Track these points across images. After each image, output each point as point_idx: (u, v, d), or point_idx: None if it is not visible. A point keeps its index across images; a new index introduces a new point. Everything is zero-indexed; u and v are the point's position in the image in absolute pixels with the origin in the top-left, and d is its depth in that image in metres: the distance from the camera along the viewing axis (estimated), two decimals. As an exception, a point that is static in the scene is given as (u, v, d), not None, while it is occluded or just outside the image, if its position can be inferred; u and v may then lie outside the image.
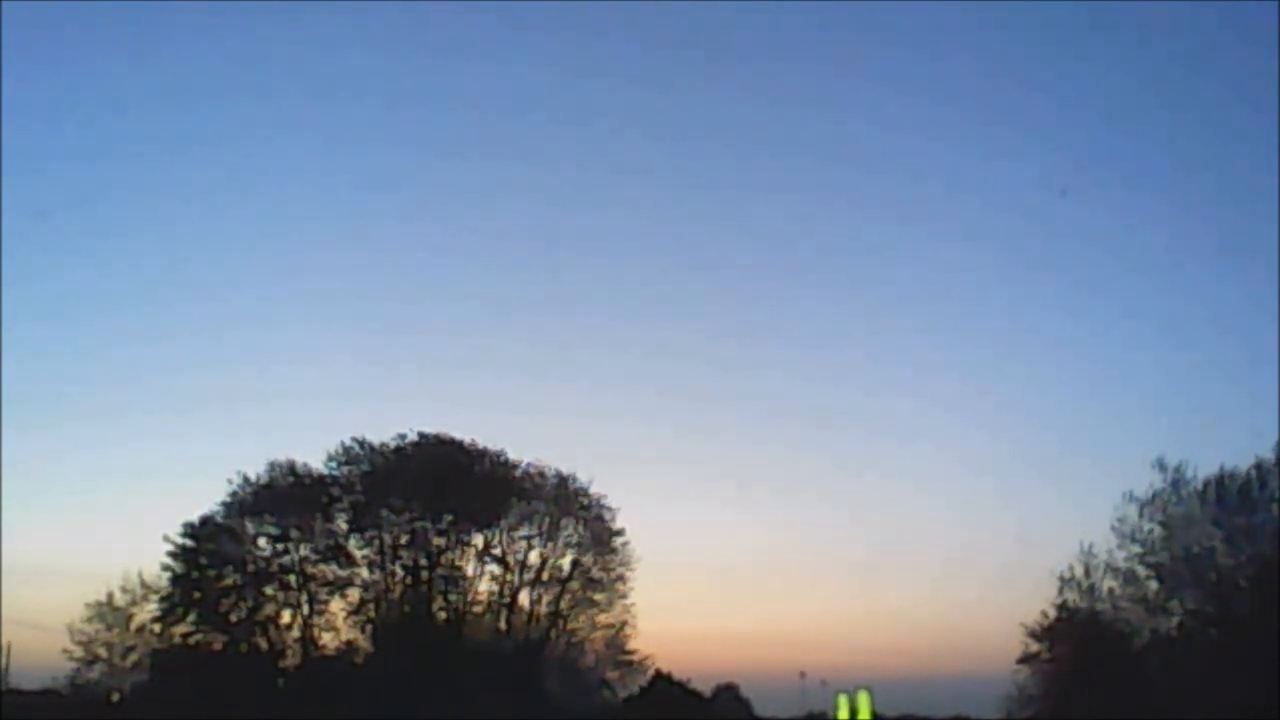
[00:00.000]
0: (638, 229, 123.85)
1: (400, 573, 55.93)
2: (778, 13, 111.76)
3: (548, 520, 57.73)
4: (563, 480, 58.14)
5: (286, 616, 55.24)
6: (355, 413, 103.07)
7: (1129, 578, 44.54)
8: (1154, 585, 44.00)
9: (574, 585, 57.98)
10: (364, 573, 55.75)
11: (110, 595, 55.41)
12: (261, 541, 54.91)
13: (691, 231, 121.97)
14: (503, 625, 57.15)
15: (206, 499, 55.31)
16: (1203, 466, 43.79)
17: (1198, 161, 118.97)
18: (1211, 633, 41.82)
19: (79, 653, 54.42)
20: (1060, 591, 46.06)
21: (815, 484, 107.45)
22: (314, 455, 56.64)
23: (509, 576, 57.31)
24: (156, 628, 54.21)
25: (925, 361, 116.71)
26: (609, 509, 58.45)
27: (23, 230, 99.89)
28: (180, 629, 53.49)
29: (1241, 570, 41.58)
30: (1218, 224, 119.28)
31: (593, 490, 58.21)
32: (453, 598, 56.48)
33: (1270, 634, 37.13)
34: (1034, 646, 47.13)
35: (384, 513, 55.18)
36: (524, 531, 57.58)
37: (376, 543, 55.45)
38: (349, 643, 55.76)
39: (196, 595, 53.36)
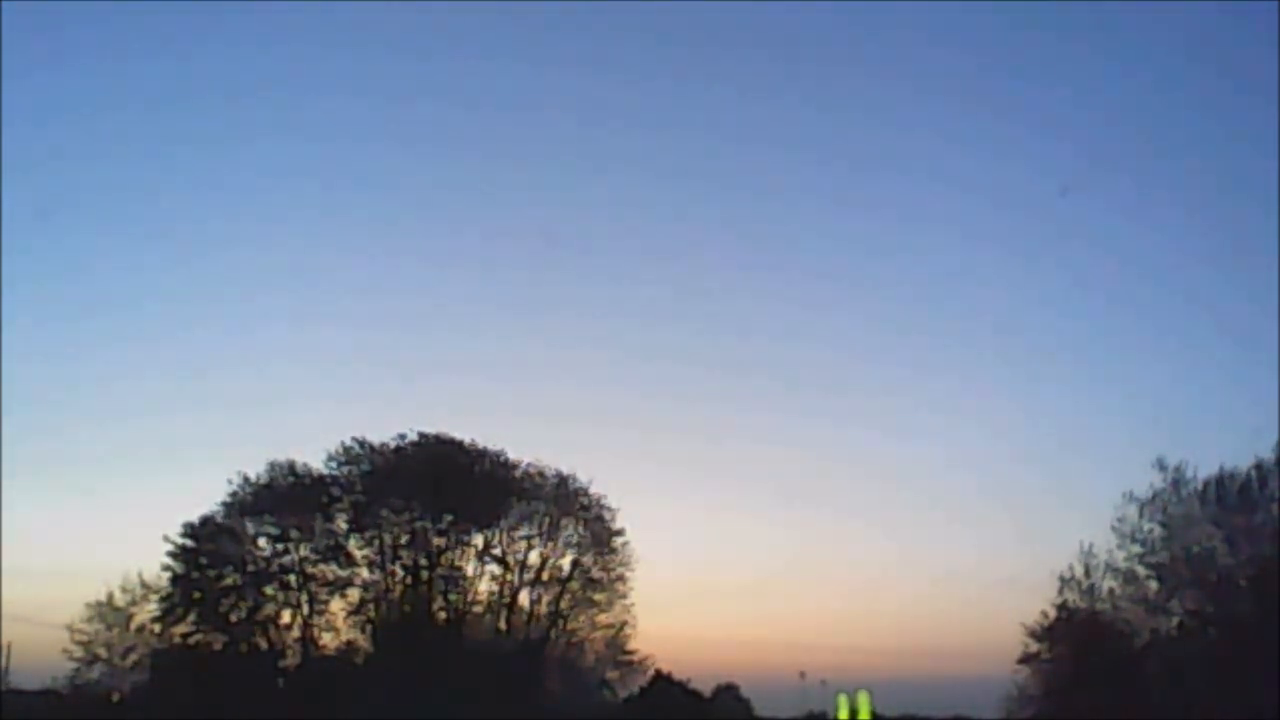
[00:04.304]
0: (639, 228, 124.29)
1: (400, 573, 55.89)
2: (777, 9, 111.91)
3: (548, 520, 57.71)
4: (563, 480, 58.12)
5: (286, 616, 55.21)
6: (355, 413, 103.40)
7: (1129, 578, 44.57)
8: (1154, 585, 44.02)
9: (574, 585, 57.95)
10: (364, 573, 55.75)
11: (110, 595, 55.26)
12: (261, 541, 54.86)
13: (693, 231, 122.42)
14: (503, 625, 57.10)
15: (206, 499, 55.36)
16: (1203, 466, 43.88)
17: (1198, 162, 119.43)
18: (1211, 633, 41.82)
19: (79, 653, 54.21)
20: (1060, 591, 46.14)
21: (815, 484, 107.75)
22: (314, 455, 56.69)
23: (509, 576, 57.34)
24: (156, 628, 54.08)
25: (925, 361, 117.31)
26: (609, 509, 58.53)
27: (23, 231, 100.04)
28: (180, 629, 53.38)
29: (1241, 570, 41.59)
30: (1218, 224, 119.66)
31: (593, 490, 58.30)
32: (453, 598, 56.44)
33: (1270, 634, 37.15)
34: (1034, 646, 47.15)
35: (384, 513, 55.14)
36: (524, 531, 57.62)
37: (376, 543, 55.41)
38: (349, 643, 55.73)
39: (196, 595, 53.27)
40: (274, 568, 54.92)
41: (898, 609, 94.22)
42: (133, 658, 54.40)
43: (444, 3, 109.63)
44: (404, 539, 55.45)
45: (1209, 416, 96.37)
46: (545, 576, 57.53)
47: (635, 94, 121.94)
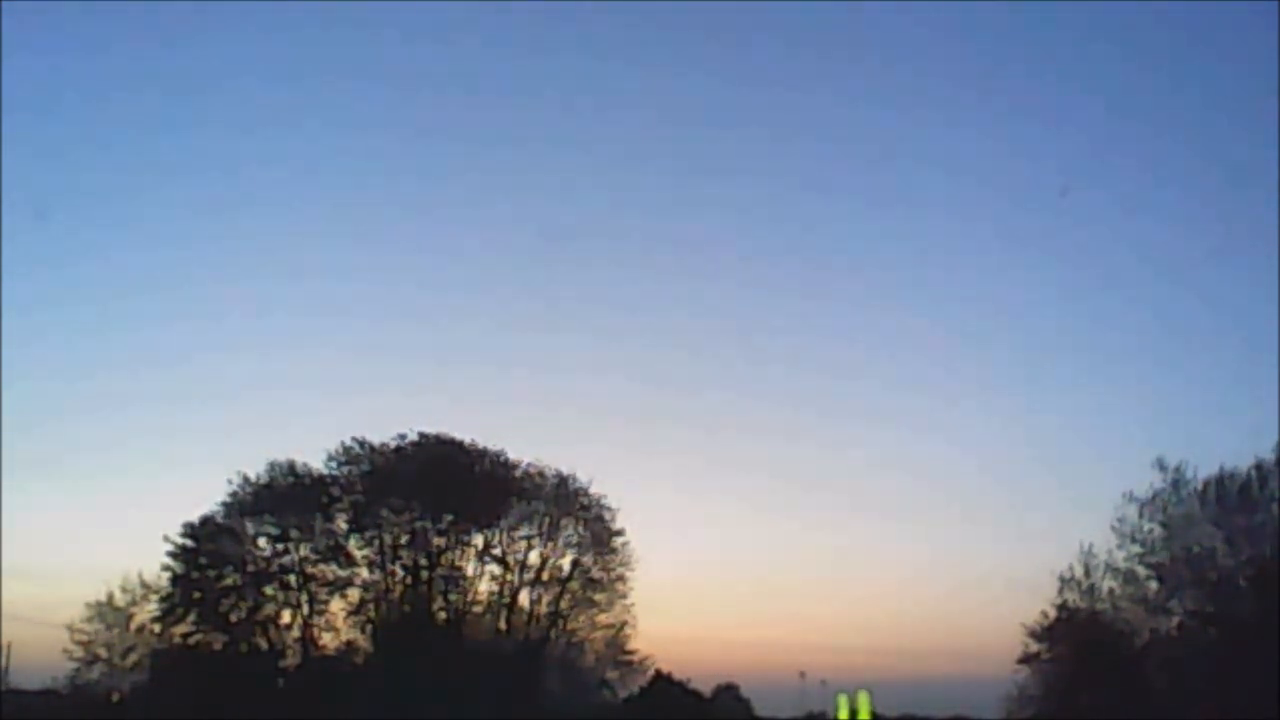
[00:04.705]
0: (641, 225, 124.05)
1: (400, 573, 55.91)
2: (778, 7, 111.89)
3: (548, 520, 57.69)
4: (563, 480, 58.11)
5: (286, 616, 55.27)
6: (355, 413, 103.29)
7: (1129, 578, 44.53)
8: (1154, 585, 43.98)
9: (574, 585, 57.92)
10: (364, 573, 55.78)
11: (110, 595, 55.37)
12: (261, 541, 54.90)
13: (695, 229, 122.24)
14: (503, 625, 57.10)
15: (206, 499, 55.36)
16: (1203, 466, 43.81)
17: (1198, 162, 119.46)
18: (1211, 633, 41.81)
19: (79, 653, 54.32)
20: (1060, 591, 46.07)
21: (815, 485, 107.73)
22: (314, 455, 56.68)
23: (509, 576, 57.33)
24: (156, 628, 54.15)
25: (924, 362, 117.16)
26: (609, 509, 58.47)
27: (22, 231, 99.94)
28: (180, 629, 53.43)
29: (1241, 570, 41.57)
30: (1218, 224, 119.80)
31: (593, 490, 58.27)
32: (453, 598, 56.46)
33: (1270, 634, 37.14)
34: (1034, 646, 47.12)
35: (384, 513, 55.15)
36: (524, 531, 57.59)
37: (376, 543, 55.43)
38: (349, 643, 55.77)
39: (196, 595, 53.31)
40: (274, 568, 54.96)
41: (898, 609, 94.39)
42: (133, 658, 54.46)
43: (436, 3, 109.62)
44: (404, 539, 55.46)
45: (1209, 416, 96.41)
46: (545, 576, 57.54)
47: (637, 90, 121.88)
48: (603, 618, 59.20)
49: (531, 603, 57.52)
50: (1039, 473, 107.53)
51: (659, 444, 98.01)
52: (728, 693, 71.05)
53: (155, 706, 50.35)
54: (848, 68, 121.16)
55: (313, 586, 55.06)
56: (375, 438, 57.20)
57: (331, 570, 55.40)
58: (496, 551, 57.14)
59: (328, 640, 55.69)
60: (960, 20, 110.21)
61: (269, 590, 54.70)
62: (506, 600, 57.33)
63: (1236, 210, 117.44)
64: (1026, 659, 47.35)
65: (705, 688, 66.96)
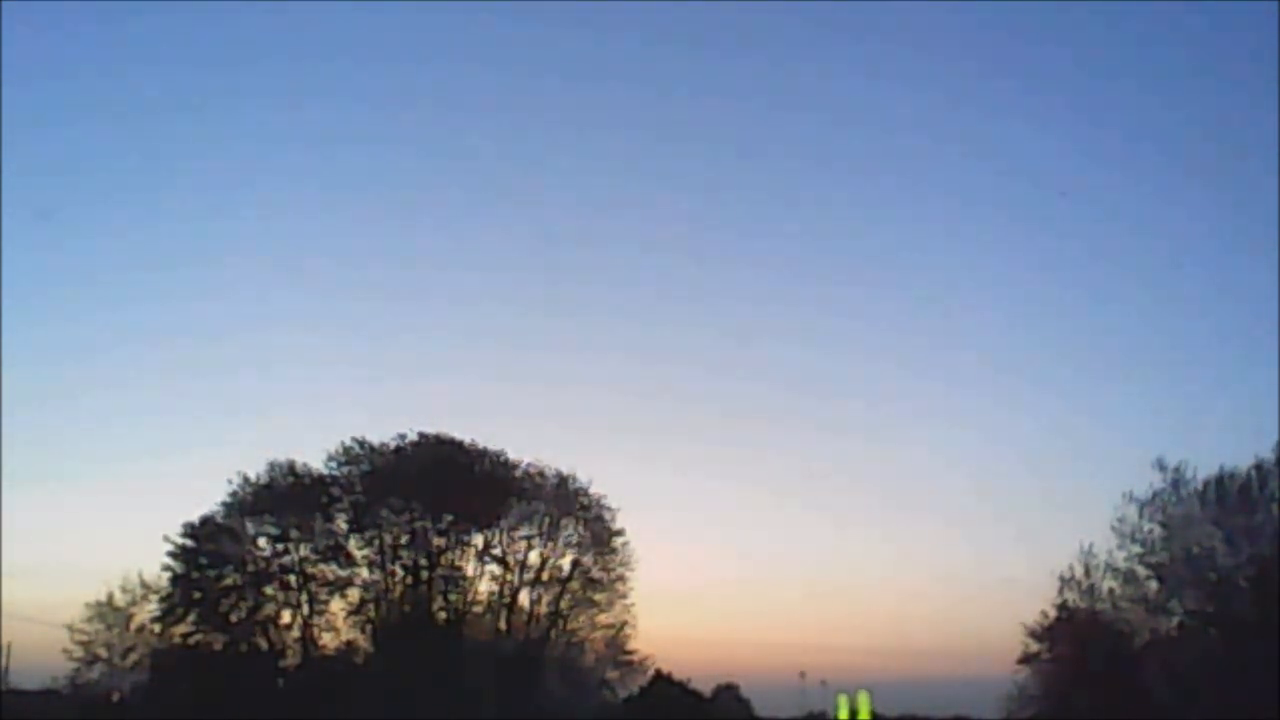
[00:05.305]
0: (640, 229, 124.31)
1: (400, 573, 55.90)
2: (776, 10, 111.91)
3: (548, 520, 57.68)
4: (563, 480, 58.11)
5: (286, 616, 55.25)
6: (355, 413, 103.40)
7: (1129, 578, 44.56)
8: (1154, 585, 44.01)
9: (574, 585, 57.93)
10: (364, 573, 55.78)
11: (110, 595, 55.26)
12: (261, 541, 54.88)
13: (694, 231, 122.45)
14: (503, 625, 57.10)
15: (206, 499, 55.37)
16: (1203, 466, 43.87)
17: (1198, 162, 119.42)
18: (1211, 633, 41.82)
19: (79, 653, 54.23)
20: (1060, 591, 46.15)
21: (816, 484, 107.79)
22: (314, 455, 56.71)
23: (509, 576, 57.33)
24: (156, 628, 54.13)
25: (925, 362, 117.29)
26: (609, 509, 58.51)
27: (23, 231, 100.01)
28: (180, 629, 53.43)
29: (1241, 570, 41.57)
30: (1218, 224, 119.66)
31: (593, 490, 58.29)
32: (453, 598, 56.44)
33: (1270, 634, 37.17)
34: (1034, 646, 47.22)
35: (384, 513, 55.15)
36: (524, 531, 57.58)
37: (376, 543, 55.42)
38: (349, 643, 55.76)
39: (196, 595, 53.30)
40: (274, 568, 54.94)
41: (898, 609, 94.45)
42: (133, 658, 54.41)
43: (444, 4, 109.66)
44: (404, 539, 55.44)
45: (1209, 416, 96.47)
46: (545, 576, 57.54)
47: (642, 95, 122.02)
48: (603, 618, 59.26)
49: (531, 603, 57.60)
50: (1039, 473, 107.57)
51: (660, 444, 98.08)
52: (728, 693, 71.09)
53: (155, 706, 50.34)
54: (844, 71, 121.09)
55: (313, 586, 55.05)
56: (375, 438, 57.36)
57: (331, 570, 55.40)
58: (496, 551, 57.22)
59: (328, 640, 55.74)
60: (959, 21, 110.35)
61: (269, 590, 54.68)
62: (506, 600, 57.34)
63: (1237, 210, 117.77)
64: (1026, 659, 47.43)
65: (705, 688, 67.09)
